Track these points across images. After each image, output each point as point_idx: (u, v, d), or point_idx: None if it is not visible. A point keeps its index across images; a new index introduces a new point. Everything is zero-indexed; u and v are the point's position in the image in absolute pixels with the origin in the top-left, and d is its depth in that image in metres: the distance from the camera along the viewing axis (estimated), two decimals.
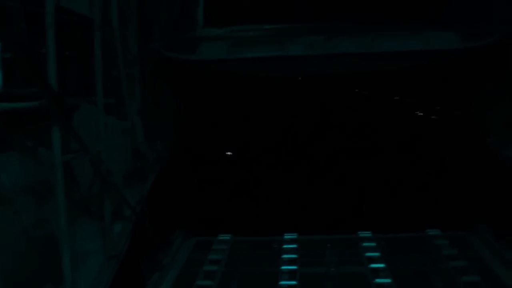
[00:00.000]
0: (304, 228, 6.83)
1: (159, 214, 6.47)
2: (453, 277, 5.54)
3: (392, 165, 6.72)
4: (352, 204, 6.90)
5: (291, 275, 5.73)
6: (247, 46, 6.20)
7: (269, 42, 6.18)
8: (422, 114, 7.32)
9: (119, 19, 5.97)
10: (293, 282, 5.52)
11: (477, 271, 5.62)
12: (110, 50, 5.79)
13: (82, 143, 4.82)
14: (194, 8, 10.63)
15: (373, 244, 6.36)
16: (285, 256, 6.16)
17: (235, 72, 6.24)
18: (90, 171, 5.16)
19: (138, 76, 6.57)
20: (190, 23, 9.66)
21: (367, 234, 6.64)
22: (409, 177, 6.69)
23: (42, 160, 4.40)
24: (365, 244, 6.38)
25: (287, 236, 6.72)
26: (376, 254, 6.06)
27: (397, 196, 6.69)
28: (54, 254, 4.24)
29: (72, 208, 4.64)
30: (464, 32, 6.08)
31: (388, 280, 5.44)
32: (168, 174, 6.79)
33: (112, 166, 5.45)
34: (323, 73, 6.22)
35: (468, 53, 5.82)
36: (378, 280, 5.46)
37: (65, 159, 4.52)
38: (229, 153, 7.22)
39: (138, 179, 6.21)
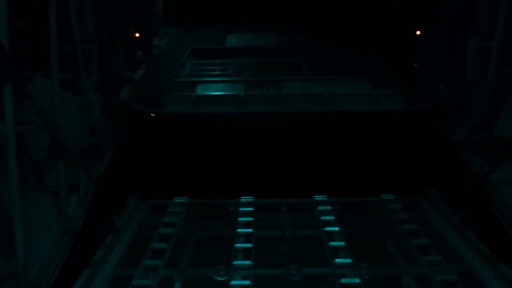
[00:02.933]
0: (260, 192, 6.82)
1: (115, 179, 6.34)
2: (404, 240, 5.70)
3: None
4: (309, 170, 6.94)
5: (246, 238, 5.76)
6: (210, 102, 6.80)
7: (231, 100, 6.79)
8: None
9: None
10: (249, 245, 5.54)
11: (427, 234, 5.82)
12: (66, 24, 5.60)
13: (37, 108, 4.62)
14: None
15: (329, 207, 6.45)
16: (241, 219, 6.16)
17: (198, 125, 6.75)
18: (45, 144, 5.01)
19: (95, 52, 6.45)
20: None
21: (322, 198, 6.71)
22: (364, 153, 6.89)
23: None
24: (320, 207, 6.46)
25: (244, 199, 6.71)
26: (331, 217, 6.15)
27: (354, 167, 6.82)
28: (7, 228, 4.09)
29: (25, 182, 4.48)
30: (408, 94, 6.87)
31: (341, 243, 5.54)
32: (126, 150, 6.71)
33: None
34: (280, 127, 6.71)
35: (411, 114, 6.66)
36: (332, 243, 5.55)
37: (18, 130, 4.34)
38: None
39: (94, 156, 6.08)
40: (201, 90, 7.07)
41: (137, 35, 8.86)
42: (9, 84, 4.13)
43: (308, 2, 11.81)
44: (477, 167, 5.82)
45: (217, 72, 8.08)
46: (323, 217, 6.18)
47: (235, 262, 5.19)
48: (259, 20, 11.56)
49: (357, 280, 4.82)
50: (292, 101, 6.80)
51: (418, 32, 8.50)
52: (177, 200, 6.76)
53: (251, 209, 6.44)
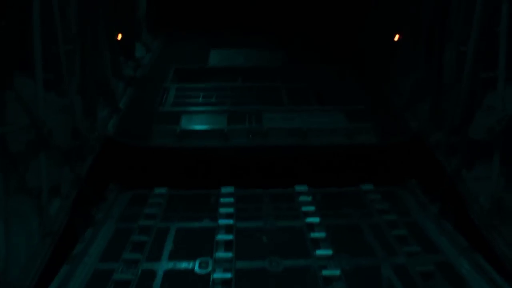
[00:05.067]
0: (241, 182, 6.82)
1: (94, 172, 6.30)
2: (384, 231, 5.79)
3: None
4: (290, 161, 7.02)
5: (227, 229, 5.76)
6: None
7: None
8: None
9: None
10: (230, 237, 5.55)
11: (406, 224, 5.91)
12: (49, 24, 5.46)
13: (21, 102, 4.54)
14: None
15: (309, 198, 6.48)
16: (222, 210, 6.16)
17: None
18: (27, 146, 4.91)
19: (78, 53, 6.34)
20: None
21: (303, 188, 6.74)
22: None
23: None
24: (301, 198, 6.49)
25: (224, 190, 6.69)
26: (312, 208, 6.19)
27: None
28: None
29: (7, 184, 4.41)
30: (381, 129, 7.25)
31: (322, 234, 5.59)
32: (107, 152, 6.77)
33: None
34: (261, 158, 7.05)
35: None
36: (313, 235, 5.60)
37: (1, 130, 4.28)
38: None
39: (77, 158, 5.99)
40: (185, 123, 7.34)
41: (119, 37, 8.77)
42: None
43: (288, 14, 12.07)
44: (452, 168, 5.97)
45: (200, 100, 8.34)
46: (304, 208, 6.21)
47: (217, 255, 5.20)
48: (241, 29, 11.79)
49: (337, 273, 4.89)
50: (273, 135, 7.17)
51: (396, 38, 8.64)
52: (157, 191, 6.71)
53: (232, 200, 6.43)
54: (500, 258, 4.81)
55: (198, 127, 7.28)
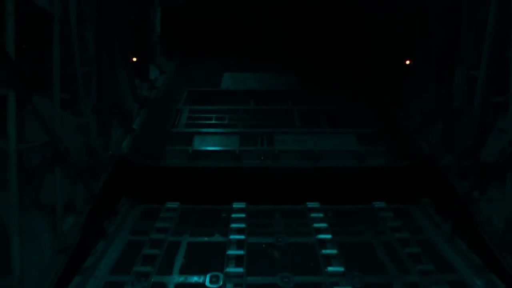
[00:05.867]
0: (253, 198, 6.83)
1: (107, 186, 6.39)
2: (396, 248, 5.73)
3: None
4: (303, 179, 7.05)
5: (239, 244, 5.75)
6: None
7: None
8: None
9: (78, 17, 5.90)
10: (241, 252, 5.53)
11: (419, 242, 5.85)
12: (67, 47, 5.68)
13: (40, 120, 4.68)
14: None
15: (321, 215, 6.46)
16: (233, 225, 6.15)
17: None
18: (42, 163, 5.04)
19: (94, 74, 6.54)
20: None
21: (315, 205, 6.72)
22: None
23: None
24: (312, 215, 6.47)
25: (236, 205, 6.70)
26: (324, 225, 6.16)
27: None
28: (3, 244, 4.08)
29: (22, 199, 4.49)
30: (392, 151, 7.37)
31: (334, 251, 5.55)
32: (121, 171, 6.94)
33: None
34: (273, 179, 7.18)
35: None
36: (324, 251, 5.56)
37: (20, 147, 4.36)
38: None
39: (90, 176, 6.13)
40: (198, 144, 7.47)
41: (134, 59, 9.02)
42: (13, 92, 4.17)
43: (300, 39, 12.30)
44: (464, 192, 6.00)
45: (213, 121, 8.45)
46: (315, 225, 6.19)
47: (228, 270, 5.18)
48: (254, 53, 12.08)
49: None
50: (285, 157, 7.30)
51: (407, 62, 8.75)
52: (169, 205, 6.74)
53: (243, 215, 6.43)
54: None
55: (211, 148, 7.40)
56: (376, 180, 7.08)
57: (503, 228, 5.12)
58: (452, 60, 6.84)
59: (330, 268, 5.21)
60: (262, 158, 7.26)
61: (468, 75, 6.44)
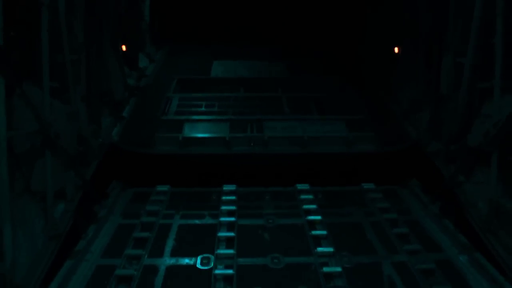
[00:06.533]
0: (243, 184, 6.87)
1: (99, 176, 6.42)
2: (385, 229, 5.82)
3: None
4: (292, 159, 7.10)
5: (229, 226, 5.80)
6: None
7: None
8: None
9: (66, 4, 5.83)
10: (231, 234, 5.58)
11: (407, 223, 5.94)
12: (56, 34, 5.62)
13: (30, 107, 4.67)
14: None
15: (311, 196, 6.52)
16: (224, 207, 6.20)
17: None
18: (33, 150, 5.03)
19: (84, 62, 6.48)
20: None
21: (304, 186, 6.77)
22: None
23: None
24: (302, 196, 6.52)
25: (226, 188, 6.73)
26: (313, 206, 6.22)
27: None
28: None
29: (13, 186, 4.50)
30: (381, 137, 7.39)
31: (323, 232, 5.62)
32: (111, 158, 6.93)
33: None
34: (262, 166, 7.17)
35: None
36: (314, 232, 5.63)
37: (10, 134, 4.35)
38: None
39: (81, 163, 6.11)
40: (188, 131, 7.46)
41: (123, 48, 8.93)
42: (2, 78, 4.15)
43: (290, 27, 12.31)
44: (450, 174, 6.09)
45: (203, 109, 8.44)
46: (305, 206, 6.25)
47: (218, 251, 5.23)
48: (243, 42, 12.04)
49: (338, 269, 4.92)
50: (274, 143, 7.30)
51: (396, 50, 8.82)
52: (160, 188, 6.75)
53: (233, 197, 6.47)
54: (498, 261, 4.88)
55: (201, 135, 7.40)
56: (365, 165, 7.15)
57: (487, 211, 5.22)
58: (440, 48, 6.91)
59: (319, 249, 5.29)
60: (251, 144, 7.28)
61: (455, 62, 6.50)
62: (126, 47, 9.23)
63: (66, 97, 6.01)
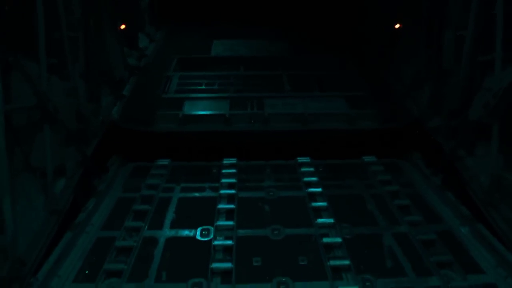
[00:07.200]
0: (243, 157, 6.83)
1: (99, 152, 6.40)
2: (386, 201, 5.78)
3: None
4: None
5: (229, 199, 5.78)
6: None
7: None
8: None
9: None
10: (231, 206, 5.57)
11: (408, 195, 5.90)
12: (52, 9, 5.51)
13: (27, 78, 4.61)
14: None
15: (312, 169, 6.48)
16: (224, 180, 6.17)
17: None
18: (32, 125, 4.98)
19: (82, 39, 6.39)
20: None
21: (305, 159, 6.73)
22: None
23: None
24: (303, 169, 6.48)
25: (226, 161, 6.69)
26: (314, 178, 6.18)
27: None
28: None
29: (13, 162, 4.45)
30: (382, 114, 7.29)
31: (324, 204, 5.59)
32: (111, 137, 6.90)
33: None
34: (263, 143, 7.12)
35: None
36: (314, 204, 5.60)
37: (7, 108, 4.29)
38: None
39: (81, 141, 6.04)
40: (188, 109, 7.38)
41: (123, 27, 8.81)
42: None
43: (290, 5, 12.08)
44: (450, 148, 6.02)
45: (203, 87, 8.35)
46: (306, 179, 6.21)
47: (218, 223, 5.22)
48: (243, 21, 11.85)
49: (339, 240, 4.90)
50: (275, 120, 7.20)
51: (397, 26, 8.65)
52: (160, 162, 6.72)
53: (234, 170, 6.44)
54: (499, 234, 4.85)
55: (201, 112, 7.32)
56: (366, 142, 7.09)
57: (489, 184, 5.16)
58: (441, 22, 6.77)
59: (320, 220, 5.27)
60: (252, 121, 7.21)
61: (456, 35, 6.37)
62: (126, 26, 9.10)
63: (65, 73, 5.93)
